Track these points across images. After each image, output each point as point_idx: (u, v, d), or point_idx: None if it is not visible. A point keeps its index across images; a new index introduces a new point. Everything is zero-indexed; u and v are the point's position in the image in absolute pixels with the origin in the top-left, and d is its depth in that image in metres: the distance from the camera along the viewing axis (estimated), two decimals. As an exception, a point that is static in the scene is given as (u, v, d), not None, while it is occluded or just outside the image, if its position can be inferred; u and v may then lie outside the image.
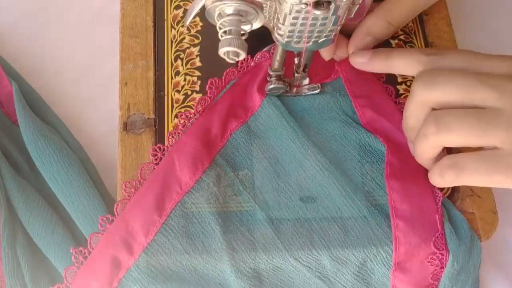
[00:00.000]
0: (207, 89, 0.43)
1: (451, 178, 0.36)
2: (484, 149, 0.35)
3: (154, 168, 0.41)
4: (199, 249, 0.39)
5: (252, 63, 0.44)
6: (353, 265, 0.39)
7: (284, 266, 0.39)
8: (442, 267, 0.38)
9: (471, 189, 0.42)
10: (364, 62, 0.41)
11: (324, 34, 0.36)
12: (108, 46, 0.50)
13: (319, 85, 0.43)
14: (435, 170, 0.37)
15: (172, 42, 0.45)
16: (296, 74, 0.42)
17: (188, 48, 0.45)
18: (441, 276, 0.38)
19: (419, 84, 0.36)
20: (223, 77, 0.43)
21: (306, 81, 0.43)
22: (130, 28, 0.46)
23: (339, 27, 0.35)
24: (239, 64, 0.44)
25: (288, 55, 0.41)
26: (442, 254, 0.38)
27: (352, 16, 0.35)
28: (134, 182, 0.40)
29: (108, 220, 0.40)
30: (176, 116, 0.43)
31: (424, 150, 0.37)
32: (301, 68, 0.41)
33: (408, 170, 0.40)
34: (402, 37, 0.47)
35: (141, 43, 0.45)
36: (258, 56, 0.44)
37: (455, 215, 0.40)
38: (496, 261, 0.46)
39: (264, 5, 0.35)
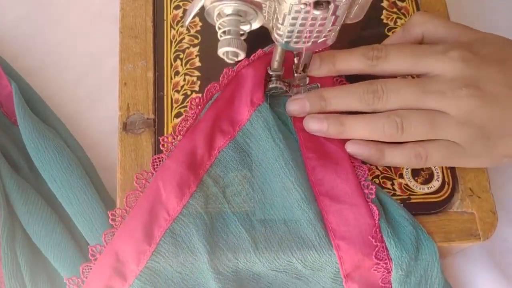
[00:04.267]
0: (188, 108, 0.42)
1: (420, 164, 0.41)
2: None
3: (140, 196, 0.40)
4: (189, 268, 0.39)
5: (233, 74, 0.43)
6: (328, 271, 0.40)
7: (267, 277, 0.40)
8: (389, 272, 0.39)
9: (470, 189, 0.42)
10: (314, 69, 0.42)
11: (324, 34, 0.35)
12: (108, 46, 0.50)
13: (318, 85, 0.43)
14: (403, 157, 0.40)
15: (171, 42, 0.45)
16: (295, 74, 0.42)
17: (188, 48, 0.45)
18: (390, 279, 0.39)
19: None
20: (204, 94, 0.42)
21: (306, 81, 0.43)
22: (129, 28, 0.46)
23: (338, 27, 0.35)
24: (220, 78, 0.43)
25: (288, 55, 0.41)
26: (385, 263, 0.38)
27: (351, 16, 0.35)
28: (120, 210, 0.40)
29: (98, 249, 0.39)
30: (176, 116, 0.43)
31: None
32: (301, 68, 0.41)
33: (342, 190, 0.40)
34: (402, 37, 0.47)
35: (140, 43, 0.45)
36: (238, 65, 0.43)
37: (398, 219, 0.40)
38: (496, 261, 0.46)
39: (263, 5, 0.35)
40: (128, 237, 0.39)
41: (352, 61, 0.41)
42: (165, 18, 0.46)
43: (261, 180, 0.40)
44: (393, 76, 0.41)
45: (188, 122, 0.42)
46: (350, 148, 0.41)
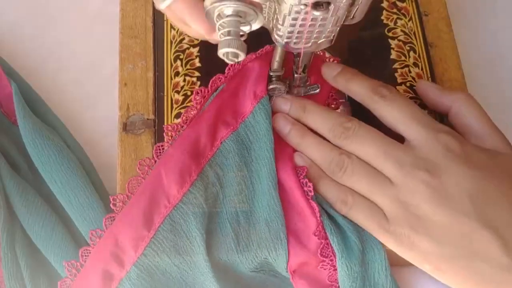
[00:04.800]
0: (192, 99, 0.42)
1: (343, 211, 0.39)
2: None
3: (142, 182, 0.40)
4: (187, 263, 0.39)
5: (239, 67, 0.43)
6: None
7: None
8: (335, 270, 0.39)
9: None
10: (332, 76, 0.42)
11: (324, 35, 0.36)
12: (108, 46, 0.50)
13: (319, 85, 0.43)
14: (332, 194, 0.39)
15: (171, 42, 0.45)
16: (295, 75, 0.42)
17: (188, 48, 0.45)
18: (337, 278, 0.39)
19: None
20: (209, 85, 0.42)
21: (306, 81, 0.43)
22: (129, 29, 0.46)
23: (338, 28, 0.35)
24: (226, 70, 0.43)
25: (288, 55, 0.41)
26: (331, 260, 0.38)
27: (351, 16, 0.35)
28: (122, 196, 0.40)
29: (97, 234, 0.40)
30: (176, 116, 0.43)
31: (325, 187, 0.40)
32: (301, 69, 0.41)
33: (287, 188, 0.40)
34: (402, 37, 0.47)
35: (140, 43, 0.45)
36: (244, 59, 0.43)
37: (342, 224, 0.39)
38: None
39: (264, 6, 0.35)
40: (128, 223, 0.39)
41: (361, 86, 0.41)
42: (165, 18, 0.46)
43: (255, 176, 0.41)
44: (380, 122, 0.40)
45: (192, 112, 0.42)
46: (298, 159, 0.41)
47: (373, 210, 0.38)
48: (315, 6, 0.32)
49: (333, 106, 0.44)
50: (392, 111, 0.39)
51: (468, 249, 0.35)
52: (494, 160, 0.37)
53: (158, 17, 0.46)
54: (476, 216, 0.35)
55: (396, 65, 0.46)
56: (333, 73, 0.42)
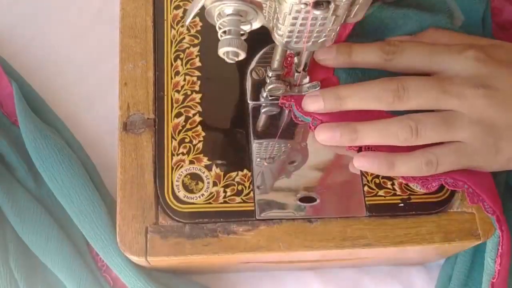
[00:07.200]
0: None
1: (431, 171, 0.40)
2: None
3: None
4: None
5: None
6: None
7: None
8: None
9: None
10: (330, 59, 0.42)
11: (324, 34, 0.36)
12: (108, 46, 0.50)
13: (319, 83, 0.43)
14: (414, 166, 0.39)
15: (171, 42, 0.45)
16: (296, 74, 0.42)
17: (188, 48, 0.45)
18: None
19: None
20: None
21: (306, 80, 0.43)
22: (130, 28, 0.46)
23: (338, 27, 0.35)
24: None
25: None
26: None
27: (351, 16, 0.35)
28: None
29: None
30: (176, 115, 0.43)
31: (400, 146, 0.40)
32: (301, 68, 0.41)
33: None
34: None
35: (141, 43, 0.45)
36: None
37: None
38: (496, 261, 0.46)
39: (264, 5, 0.35)
40: None
41: (368, 54, 0.41)
42: (165, 18, 0.46)
43: None
44: (406, 73, 0.41)
45: None
46: (358, 162, 0.40)
47: (456, 150, 0.39)
48: (316, 5, 0.32)
49: None
50: (410, 61, 0.41)
51: None
52: (507, 48, 0.42)
53: (158, 17, 0.46)
54: None
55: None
56: (330, 55, 0.42)
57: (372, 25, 0.44)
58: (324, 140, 0.41)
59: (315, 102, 0.41)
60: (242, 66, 0.45)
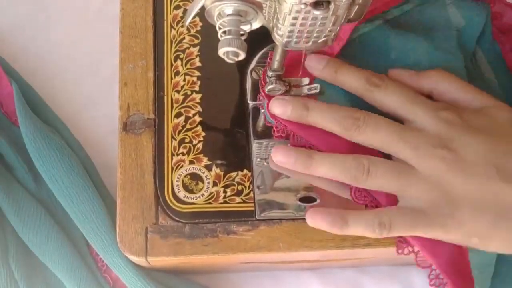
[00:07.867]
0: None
1: (383, 234, 0.37)
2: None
3: None
4: None
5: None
6: None
7: None
8: None
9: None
10: (317, 69, 0.42)
11: (324, 34, 0.36)
12: (108, 46, 0.50)
13: (318, 85, 0.43)
14: (367, 227, 0.37)
15: (171, 42, 0.45)
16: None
17: (188, 48, 0.45)
18: None
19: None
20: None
21: (306, 81, 0.43)
22: (130, 28, 0.46)
23: (338, 27, 0.35)
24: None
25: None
26: None
27: (351, 16, 0.35)
28: None
29: None
30: (176, 116, 0.43)
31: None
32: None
33: None
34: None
35: (140, 43, 0.45)
36: None
37: None
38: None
39: (264, 5, 0.35)
40: None
41: (353, 79, 0.41)
42: (165, 18, 0.46)
43: None
44: (381, 110, 0.40)
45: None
46: (311, 218, 0.38)
47: (412, 214, 0.37)
48: (316, 5, 0.32)
49: None
50: (389, 98, 0.40)
51: (504, 208, 0.36)
52: (490, 117, 0.39)
53: (158, 17, 0.46)
54: (499, 175, 0.36)
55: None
56: (319, 66, 0.42)
57: (375, 45, 0.44)
58: (279, 161, 0.40)
59: (281, 106, 0.40)
60: (242, 66, 0.45)
